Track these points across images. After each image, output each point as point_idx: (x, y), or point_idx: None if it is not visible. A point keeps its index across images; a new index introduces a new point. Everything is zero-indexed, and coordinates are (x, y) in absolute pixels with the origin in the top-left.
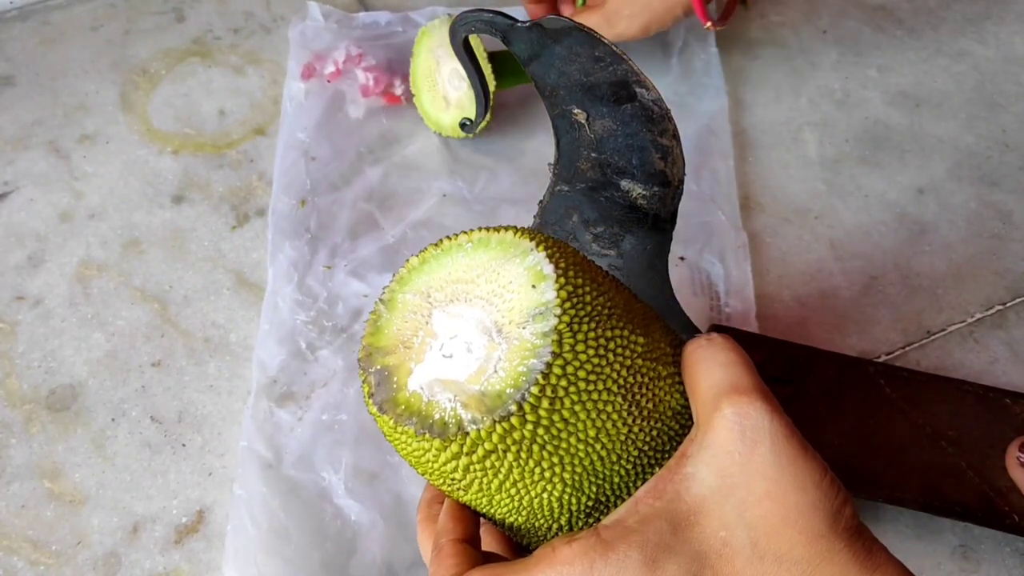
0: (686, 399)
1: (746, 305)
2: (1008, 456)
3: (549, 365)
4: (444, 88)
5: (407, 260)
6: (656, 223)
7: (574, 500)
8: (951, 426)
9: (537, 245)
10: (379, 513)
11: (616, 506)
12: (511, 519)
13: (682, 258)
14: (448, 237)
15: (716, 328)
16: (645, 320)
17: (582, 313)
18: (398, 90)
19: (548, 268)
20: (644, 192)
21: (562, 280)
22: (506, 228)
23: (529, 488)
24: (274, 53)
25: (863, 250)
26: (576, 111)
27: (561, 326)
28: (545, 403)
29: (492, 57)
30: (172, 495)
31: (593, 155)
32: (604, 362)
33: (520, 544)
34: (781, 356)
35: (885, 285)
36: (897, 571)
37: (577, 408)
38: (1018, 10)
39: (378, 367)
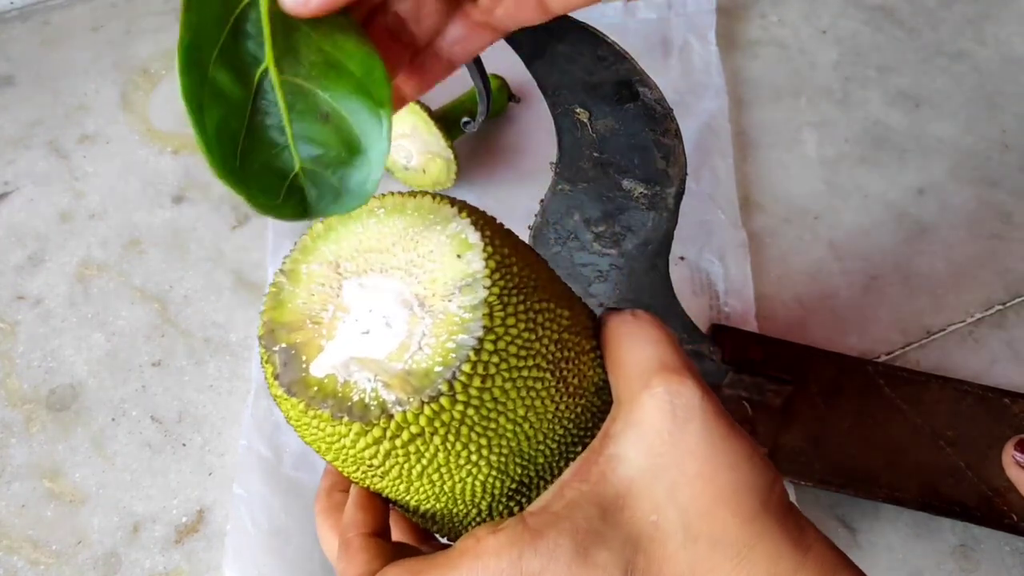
0: (606, 374)
1: (746, 305)
2: (1005, 455)
3: (480, 340)
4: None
5: (310, 227)
6: (657, 222)
7: (498, 484)
8: (950, 426)
9: (460, 211)
10: None
11: (540, 488)
12: (427, 506)
13: (682, 257)
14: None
15: (716, 328)
16: (566, 292)
17: (511, 285)
18: None
19: (474, 236)
20: (646, 191)
21: (489, 249)
22: (423, 193)
23: (453, 473)
24: None
25: (863, 250)
26: (578, 110)
27: (491, 298)
28: (477, 381)
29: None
30: (172, 495)
31: (595, 154)
32: (534, 336)
33: (428, 532)
34: (781, 356)
35: (885, 285)
36: (828, 550)
37: (507, 386)
38: (1018, 10)
39: (283, 345)
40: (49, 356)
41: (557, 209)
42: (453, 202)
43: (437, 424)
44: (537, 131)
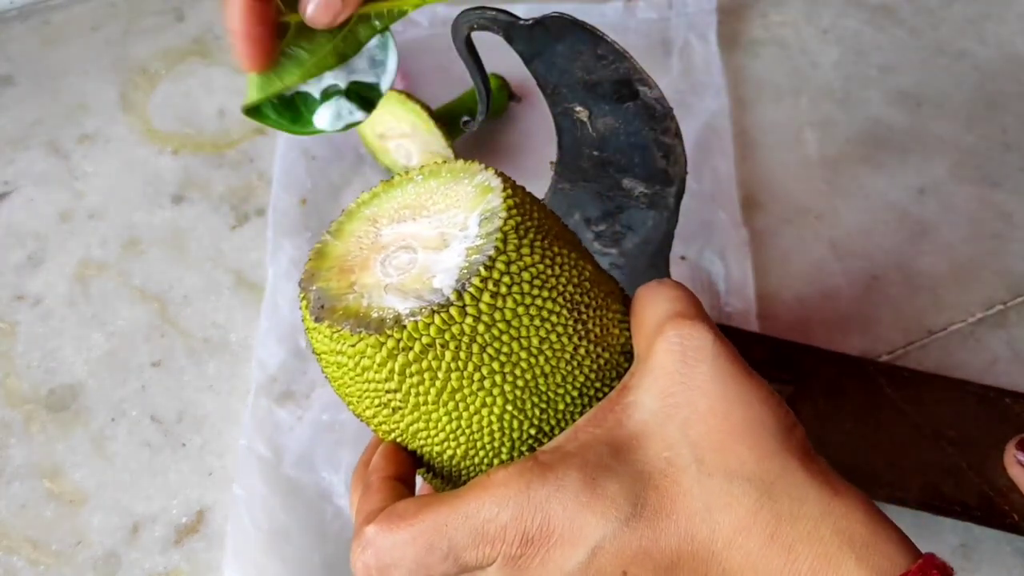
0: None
1: (747, 304)
2: (1006, 455)
3: (492, 259)
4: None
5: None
6: (658, 221)
7: (515, 424)
8: (952, 426)
9: (487, 168)
10: None
11: None
12: (449, 452)
13: (683, 257)
14: (399, 174)
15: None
16: (593, 261)
17: (528, 223)
18: (398, 86)
19: (495, 182)
20: (646, 190)
21: (509, 191)
22: (465, 161)
23: (468, 401)
24: None
25: (864, 250)
26: (578, 109)
27: (507, 227)
28: (487, 297)
29: (436, 116)
30: (172, 495)
31: (595, 153)
32: (549, 271)
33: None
34: (782, 355)
35: (886, 285)
36: (858, 497)
37: (520, 311)
38: (1018, 10)
39: (319, 285)
40: (49, 356)
41: (557, 208)
42: (484, 165)
43: (448, 336)
44: (537, 130)
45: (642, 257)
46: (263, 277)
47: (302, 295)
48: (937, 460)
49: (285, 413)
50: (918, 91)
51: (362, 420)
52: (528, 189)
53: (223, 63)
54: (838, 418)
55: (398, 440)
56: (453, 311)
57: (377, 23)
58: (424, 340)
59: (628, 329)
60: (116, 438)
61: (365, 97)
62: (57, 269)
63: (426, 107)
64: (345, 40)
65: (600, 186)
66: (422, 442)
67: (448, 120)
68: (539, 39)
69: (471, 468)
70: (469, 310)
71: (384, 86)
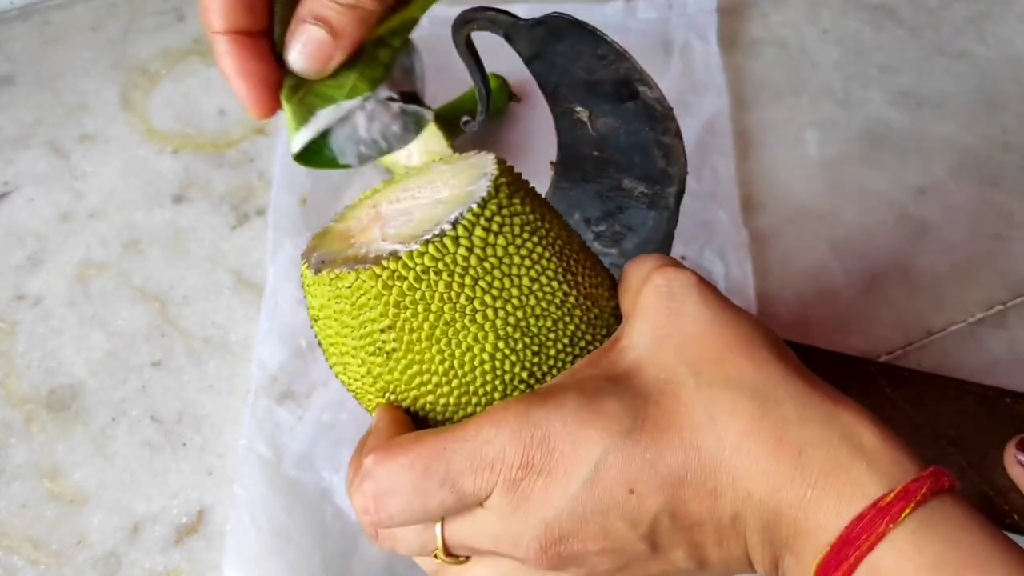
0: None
1: (747, 304)
2: (1006, 455)
3: (485, 200)
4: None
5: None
6: (658, 221)
7: (507, 364)
8: (952, 425)
9: (485, 151)
10: None
11: None
12: (443, 400)
13: (683, 257)
14: (400, 173)
15: None
16: (584, 244)
17: (521, 190)
18: None
19: (490, 157)
20: (646, 190)
21: (502, 164)
22: (464, 153)
23: (461, 337)
24: None
25: (864, 250)
26: (578, 109)
27: (498, 182)
28: (479, 231)
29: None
30: (172, 495)
31: (595, 153)
32: (539, 223)
33: None
34: None
35: (886, 285)
36: (865, 411)
37: (511, 250)
38: (1019, 10)
39: (319, 252)
40: (49, 356)
41: (557, 208)
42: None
43: (441, 266)
44: (537, 130)
45: None
46: (263, 277)
47: (303, 263)
48: (937, 460)
49: (285, 413)
50: (918, 91)
51: (357, 394)
52: None
53: None
54: None
55: (394, 398)
56: (447, 240)
57: (395, 42)
58: (419, 268)
59: (616, 299)
60: (116, 438)
61: (413, 111)
62: (57, 269)
63: (426, 107)
64: (368, 67)
65: (600, 186)
66: (415, 392)
67: (448, 120)
68: (539, 39)
69: (464, 419)
70: (462, 241)
71: (423, 93)
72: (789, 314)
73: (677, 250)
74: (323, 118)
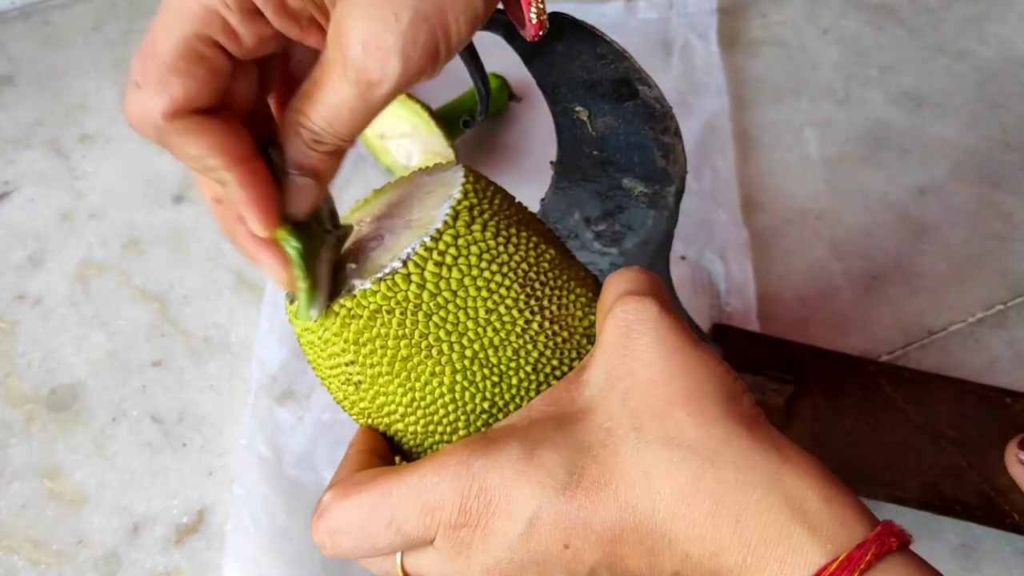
0: None
1: (747, 304)
2: (1007, 454)
3: (440, 232)
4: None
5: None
6: (658, 221)
7: (467, 396)
8: (952, 425)
9: (458, 164)
10: None
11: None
12: (411, 429)
13: (683, 257)
14: (398, 175)
15: (718, 327)
16: (569, 254)
17: (484, 205)
18: None
19: (459, 173)
20: (646, 190)
21: (470, 178)
22: (443, 162)
23: (419, 371)
24: None
25: (864, 250)
26: (578, 108)
27: (459, 207)
28: (431, 266)
29: (436, 116)
30: (172, 495)
31: (595, 153)
32: (501, 248)
33: None
34: (782, 355)
35: (886, 285)
36: (810, 462)
37: (467, 281)
38: (1019, 10)
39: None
40: (49, 356)
41: (557, 208)
42: (458, 163)
43: (393, 303)
44: (537, 130)
45: (642, 256)
46: (263, 277)
47: (287, 297)
48: (937, 460)
49: (286, 413)
50: (918, 91)
51: (344, 409)
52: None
53: None
54: (838, 418)
55: (370, 422)
56: (398, 278)
57: None
58: (371, 307)
59: (594, 313)
60: (117, 438)
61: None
62: (58, 269)
63: (426, 107)
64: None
65: (600, 186)
66: (387, 419)
67: (448, 120)
68: (539, 39)
69: (432, 447)
70: (413, 278)
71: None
72: (789, 314)
73: (677, 250)
74: (323, 278)
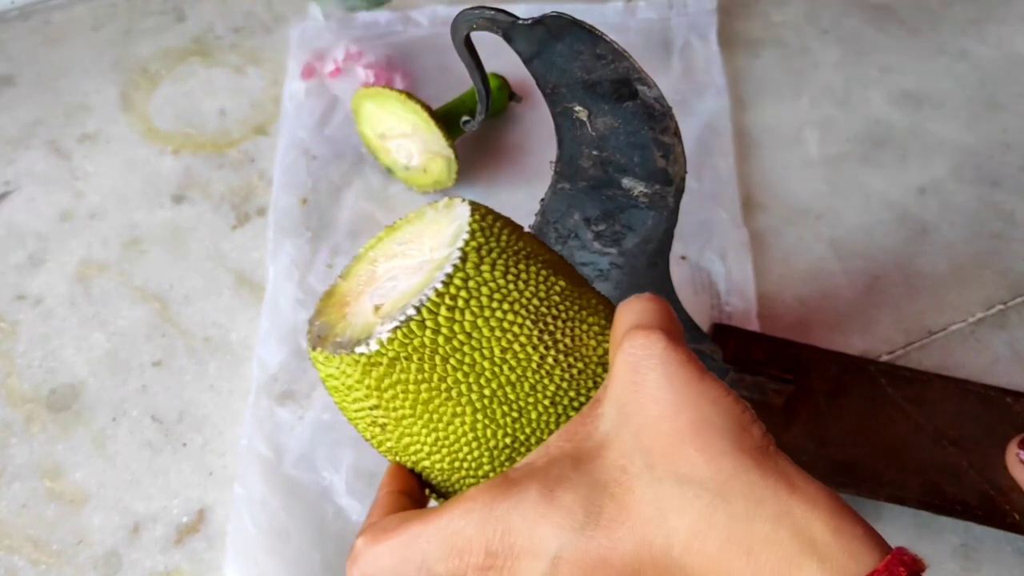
0: None
1: (747, 304)
2: (1008, 454)
3: (450, 276)
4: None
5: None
6: (658, 221)
7: (489, 433)
8: (953, 425)
9: (469, 204)
10: None
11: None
12: (438, 466)
13: (683, 257)
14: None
15: (718, 327)
16: (578, 277)
17: (492, 243)
18: (399, 86)
19: (465, 211)
20: (646, 190)
21: (477, 217)
22: (450, 199)
23: (441, 412)
24: (274, 53)
25: (864, 250)
26: (578, 108)
27: (468, 248)
28: (444, 311)
29: (436, 116)
30: (172, 495)
31: (595, 153)
32: (511, 286)
33: None
34: (783, 355)
35: (886, 285)
36: (820, 492)
37: (480, 323)
38: (1019, 10)
39: (320, 320)
40: (49, 356)
41: (557, 208)
42: (468, 200)
43: (410, 349)
44: (538, 130)
45: (642, 256)
46: (264, 277)
47: (308, 332)
48: (938, 459)
49: (286, 413)
50: (918, 91)
51: (373, 447)
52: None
53: (223, 63)
54: (838, 418)
55: (398, 459)
56: (413, 325)
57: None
58: (390, 354)
59: (607, 342)
60: (117, 438)
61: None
62: (58, 269)
63: (426, 107)
64: None
65: (600, 185)
66: (414, 457)
67: (448, 120)
68: (539, 39)
69: (459, 483)
70: (428, 323)
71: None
72: (789, 314)
73: (677, 250)
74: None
